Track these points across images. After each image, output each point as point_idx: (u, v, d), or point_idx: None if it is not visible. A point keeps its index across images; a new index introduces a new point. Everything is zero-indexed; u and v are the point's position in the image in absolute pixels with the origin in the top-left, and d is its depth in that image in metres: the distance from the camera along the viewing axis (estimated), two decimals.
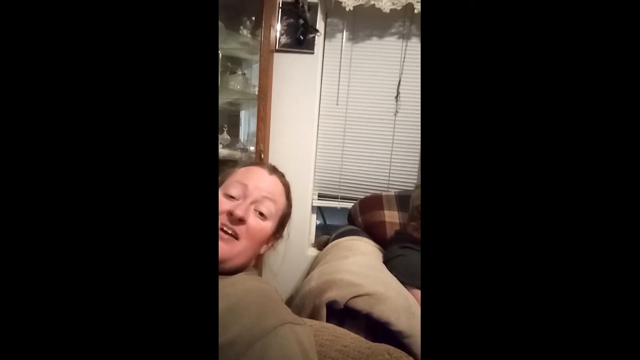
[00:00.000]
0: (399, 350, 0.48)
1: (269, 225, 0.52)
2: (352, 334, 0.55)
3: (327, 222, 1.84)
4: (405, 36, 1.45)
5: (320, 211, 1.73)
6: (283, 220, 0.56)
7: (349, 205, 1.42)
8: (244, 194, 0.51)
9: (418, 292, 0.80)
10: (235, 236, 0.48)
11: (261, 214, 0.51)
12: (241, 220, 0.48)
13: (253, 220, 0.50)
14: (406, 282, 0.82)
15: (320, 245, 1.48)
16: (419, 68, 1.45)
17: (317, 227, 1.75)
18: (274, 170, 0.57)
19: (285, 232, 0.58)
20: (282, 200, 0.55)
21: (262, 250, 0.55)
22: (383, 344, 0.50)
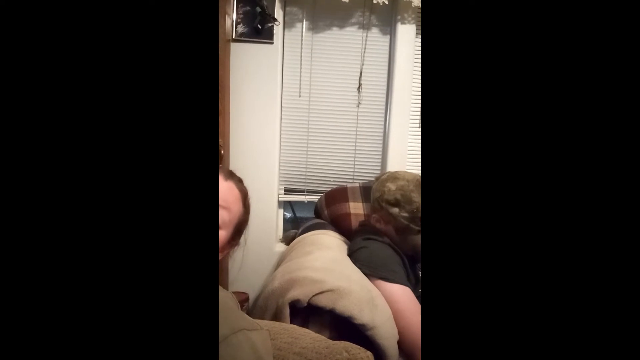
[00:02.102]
0: (357, 347, 0.49)
1: (222, 235, 0.49)
2: (312, 334, 0.54)
3: (298, 215, 1.83)
4: (365, 26, 1.44)
5: (290, 205, 1.71)
6: (239, 228, 0.53)
7: (316, 198, 1.41)
8: None
9: (381, 283, 0.82)
10: None
11: None
12: None
13: None
14: (369, 273, 0.84)
15: (288, 240, 1.47)
16: (380, 59, 1.45)
17: (287, 220, 1.73)
18: (230, 175, 0.53)
19: (242, 239, 0.56)
20: (237, 207, 0.52)
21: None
22: (342, 342, 0.50)
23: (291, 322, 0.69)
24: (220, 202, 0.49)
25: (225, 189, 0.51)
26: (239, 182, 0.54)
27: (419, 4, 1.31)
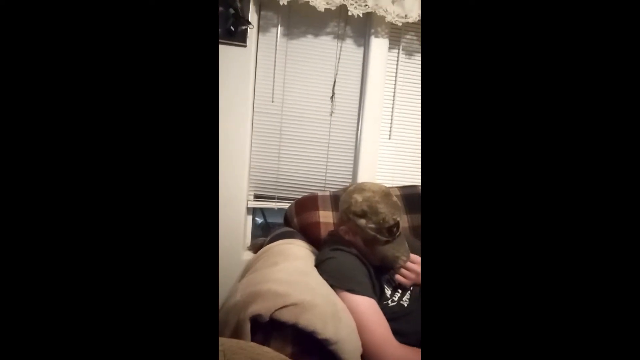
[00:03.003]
0: None
1: None
2: (272, 353, 0.52)
3: (269, 221, 1.79)
4: (340, 37, 1.45)
5: (261, 211, 1.67)
6: None
7: (286, 205, 1.39)
8: None
9: (346, 295, 0.81)
10: None
11: None
12: None
13: None
14: (335, 285, 0.83)
15: (256, 248, 1.43)
16: (354, 69, 1.47)
17: (258, 226, 1.68)
18: None
19: None
20: None
21: None
22: None
23: (252, 338, 0.66)
24: None
25: None
26: None
27: (392, 20, 1.35)
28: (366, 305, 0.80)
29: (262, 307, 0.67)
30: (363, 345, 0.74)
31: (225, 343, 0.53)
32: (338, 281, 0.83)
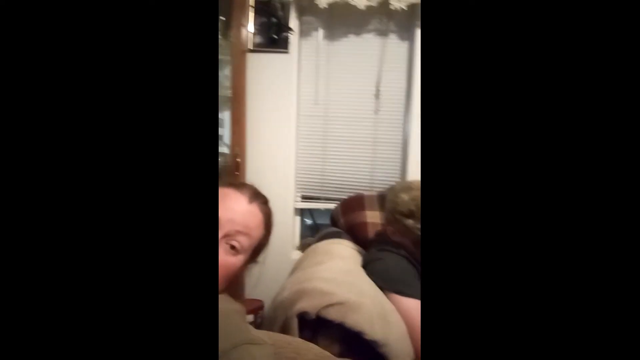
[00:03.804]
0: None
1: (239, 260, 0.47)
2: (317, 350, 0.52)
3: (318, 222, 1.81)
4: (383, 33, 1.42)
5: (310, 212, 1.70)
6: (258, 250, 0.52)
7: (332, 206, 1.39)
8: None
9: (396, 297, 0.77)
10: None
11: (232, 247, 0.46)
12: None
13: (222, 257, 0.45)
14: (384, 286, 0.80)
15: (305, 248, 1.45)
16: (399, 65, 1.42)
17: (308, 227, 1.71)
18: (254, 197, 0.50)
19: (261, 257, 0.54)
20: (259, 232, 0.50)
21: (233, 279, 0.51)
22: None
23: (300, 335, 0.66)
24: (241, 228, 0.46)
25: (247, 214, 0.48)
26: (263, 203, 0.51)
27: None
28: (417, 308, 0.75)
29: (308, 305, 0.67)
30: (416, 351, 0.70)
31: (272, 337, 0.54)
32: (386, 283, 0.80)
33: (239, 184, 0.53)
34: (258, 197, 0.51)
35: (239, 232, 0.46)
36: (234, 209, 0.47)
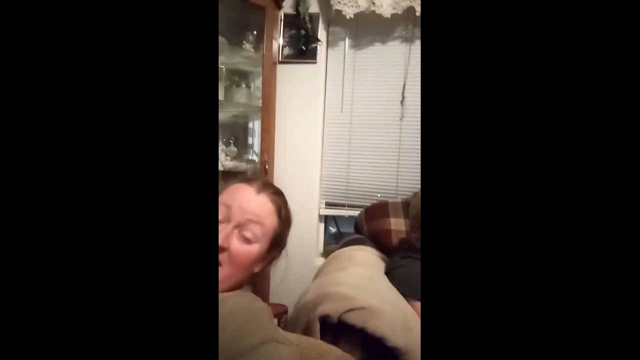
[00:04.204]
0: None
1: (255, 249, 0.49)
2: (338, 352, 0.53)
3: (342, 230, 1.82)
4: (408, 39, 1.42)
5: (334, 219, 1.72)
6: (277, 240, 0.53)
7: (357, 213, 1.39)
8: (227, 217, 0.49)
9: (418, 304, 0.77)
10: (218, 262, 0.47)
11: (246, 237, 0.48)
12: (222, 248, 0.47)
13: (236, 246, 0.48)
14: (406, 293, 0.79)
15: (329, 255, 1.46)
16: None
17: (332, 235, 1.73)
18: (263, 187, 0.52)
19: (284, 252, 0.56)
20: (271, 220, 0.51)
21: (255, 270, 0.53)
22: None
23: (321, 338, 0.68)
24: (252, 216, 0.49)
25: (257, 204, 0.50)
26: (273, 193, 0.53)
27: None
28: None
29: (330, 309, 0.68)
30: None
31: (296, 338, 0.56)
32: (409, 290, 0.80)
33: (249, 179, 0.55)
34: (267, 188, 0.53)
35: (250, 221, 0.48)
36: (242, 199, 0.50)
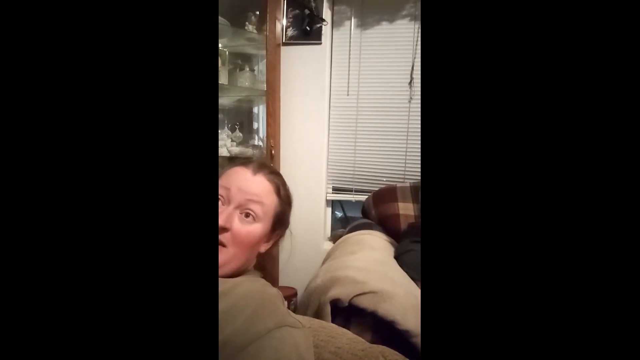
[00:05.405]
0: (395, 352, 0.46)
1: (258, 228, 0.50)
2: (350, 335, 0.53)
3: (348, 215, 1.82)
4: (417, 17, 1.36)
5: (340, 204, 1.71)
6: (279, 218, 0.54)
7: (364, 197, 1.39)
8: (228, 198, 0.49)
9: None
10: (221, 244, 0.47)
11: (247, 216, 0.49)
12: (224, 228, 0.47)
13: (238, 226, 0.49)
14: (416, 277, 0.79)
15: (336, 239, 1.47)
16: None
17: (338, 219, 1.73)
18: (259, 168, 0.53)
19: (288, 230, 0.56)
20: (271, 199, 0.52)
21: (261, 250, 0.54)
22: (379, 346, 0.48)
23: (332, 321, 0.69)
24: (251, 196, 0.49)
25: (254, 183, 0.51)
26: (269, 173, 0.54)
27: None
28: None
29: (341, 292, 0.69)
30: None
31: (309, 321, 0.56)
32: (418, 274, 0.79)
33: (246, 161, 0.55)
34: (263, 168, 0.54)
35: (250, 201, 0.49)
36: (240, 180, 0.51)
